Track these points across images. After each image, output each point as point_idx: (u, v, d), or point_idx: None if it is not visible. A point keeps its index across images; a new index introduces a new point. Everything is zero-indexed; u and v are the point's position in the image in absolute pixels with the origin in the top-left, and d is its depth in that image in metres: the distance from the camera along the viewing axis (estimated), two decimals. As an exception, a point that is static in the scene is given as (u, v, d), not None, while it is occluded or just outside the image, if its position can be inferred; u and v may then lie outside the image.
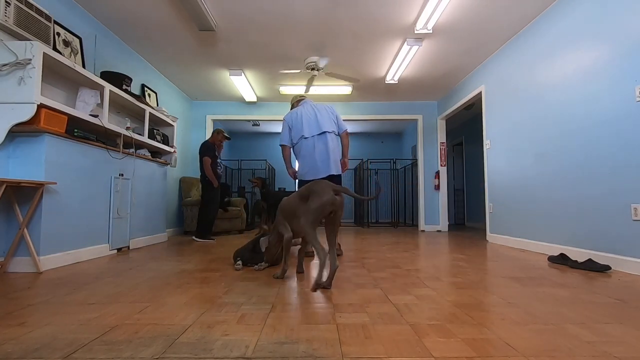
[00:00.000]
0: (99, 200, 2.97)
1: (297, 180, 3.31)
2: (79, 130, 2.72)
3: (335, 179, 3.05)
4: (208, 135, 6.00)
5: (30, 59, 2.27)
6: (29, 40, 2.39)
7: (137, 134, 3.49)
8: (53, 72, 2.74)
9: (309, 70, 4.47)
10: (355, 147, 9.27)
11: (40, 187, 2.33)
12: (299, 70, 4.34)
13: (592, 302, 1.62)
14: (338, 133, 3.14)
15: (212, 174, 4.19)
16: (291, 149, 3.17)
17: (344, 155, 3.18)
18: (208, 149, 4.24)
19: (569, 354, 1.05)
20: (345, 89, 5.51)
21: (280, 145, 3.15)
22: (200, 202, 4.33)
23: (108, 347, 1.09)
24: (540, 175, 3.35)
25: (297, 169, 3.17)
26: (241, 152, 9.21)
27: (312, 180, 2.98)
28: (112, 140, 3.18)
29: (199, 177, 4.40)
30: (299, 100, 3.30)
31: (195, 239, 4.26)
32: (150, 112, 3.83)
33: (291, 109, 3.35)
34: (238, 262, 2.44)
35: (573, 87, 2.93)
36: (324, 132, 3.03)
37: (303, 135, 3.02)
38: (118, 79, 3.35)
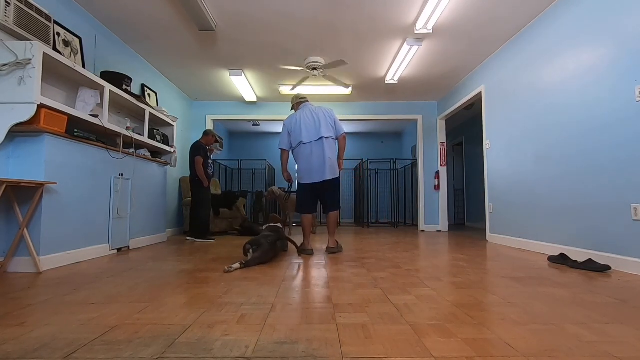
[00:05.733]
0: (99, 200, 2.97)
1: (291, 183, 3.45)
2: (79, 130, 2.72)
3: (331, 182, 3.18)
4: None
5: (30, 59, 2.27)
6: (29, 40, 2.38)
7: (137, 134, 3.49)
8: (53, 72, 2.73)
9: (309, 70, 4.47)
10: (355, 147, 9.27)
11: (40, 187, 2.33)
12: (300, 68, 4.36)
13: (592, 302, 1.62)
14: (336, 137, 3.24)
15: (203, 174, 4.18)
16: (290, 153, 3.30)
17: (339, 157, 3.28)
18: (200, 149, 4.22)
19: (569, 354, 1.05)
20: (345, 89, 5.50)
21: (279, 149, 3.26)
22: (192, 203, 4.30)
23: (108, 347, 1.09)
24: (540, 175, 3.35)
25: (296, 173, 3.30)
26: (241, 152, 9.21)
27: (309, 183, 3.15)
28: (112, 140, 3.18)
29: (189, 176, 4.35)
30: (299, 103, 3.37)
31: (190, 239, 4.24)
32: (150, 112, 3.83)
33: (292, 108, 3.44)
34: (241, 261, 2.43)
35: (573, 86, 2.93)
36: (321, 137, 3.13)
37: (302, 141, 3.14)
38: (118, 79, 3.35)
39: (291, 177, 3.38)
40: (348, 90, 5.56)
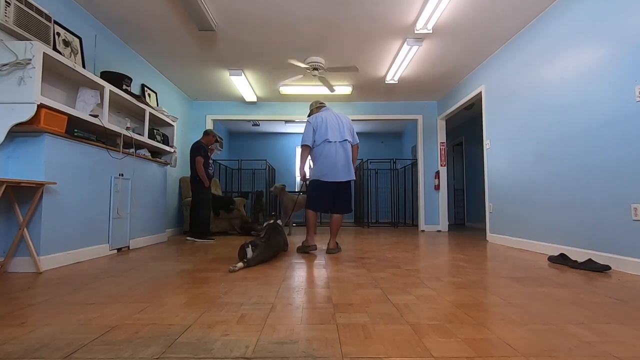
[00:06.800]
0: (99, 200, 2.97)
1: (305, 181, 3.41)
2: (79, 130, 2.72)
3: (349, 183, 3.28)
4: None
5: (30, 59, 2.26)
6: (29, 40, 2.38)
7: (137, 134, 3.49)
8: (53, 72, 2.73)
9: (309, 70, 4.47)
10: (355, 147, 9.26)
11: (40, 187, 2.33)
12: (301, 76, 4.38)
13: (592, 302, 1.62)
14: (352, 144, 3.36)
15: (204, 174, 4.18)
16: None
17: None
18: (200, 149, 4.22)
19: (569, 354, 1.05)
20: (345, 89, 5.51)
21: (303, 145, 3.26)
22: (192, 203, 4.30)
23: (108, 347, 1.09)
24: (540, 175, 3.35)
25: (313, 170, 3.28)
26: (241, 152, 9.21)
27: (329, 182, 3.14)
28: (112, 140, 3.18)
29: (189, 177, 4.36)
30: (320, 107, 3.44)
31: (190, 239, 4.24)
32: (150, 112, 3.83)
33: (310, 113, 3.48)
34: (243, 261, 2.45)
35: (573, 86, 2.93)
36: (345, 139, 3.23)
37: (327, 139, 3.18)
38: (118, 79, 3.35)
39: (306, 175, 3.37)
40: (348, 90, 5.56)
